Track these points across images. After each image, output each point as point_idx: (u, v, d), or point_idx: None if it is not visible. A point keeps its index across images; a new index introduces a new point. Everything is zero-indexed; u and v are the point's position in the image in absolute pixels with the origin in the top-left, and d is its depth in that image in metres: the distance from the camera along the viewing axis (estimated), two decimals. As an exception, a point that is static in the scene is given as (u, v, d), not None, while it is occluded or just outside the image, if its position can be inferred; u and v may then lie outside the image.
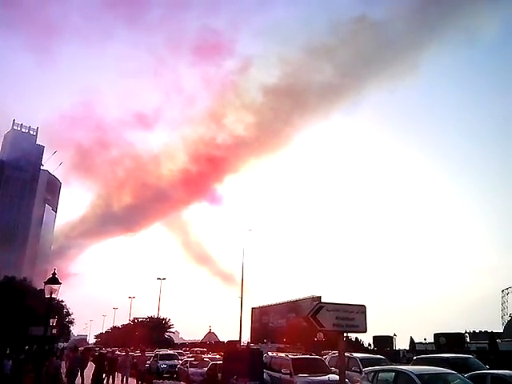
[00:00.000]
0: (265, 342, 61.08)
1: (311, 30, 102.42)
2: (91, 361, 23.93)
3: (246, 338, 70.37)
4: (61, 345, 63.49)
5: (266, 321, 74.98)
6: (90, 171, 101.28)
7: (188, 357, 29.66)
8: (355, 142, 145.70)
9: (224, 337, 78.22)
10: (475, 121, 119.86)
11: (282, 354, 17.61)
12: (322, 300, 36.44)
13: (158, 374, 27.40)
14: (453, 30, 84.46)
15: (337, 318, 6.89)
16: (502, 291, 62.68)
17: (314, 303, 7.35)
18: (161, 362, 28.96)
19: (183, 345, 77.77)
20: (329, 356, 20.02)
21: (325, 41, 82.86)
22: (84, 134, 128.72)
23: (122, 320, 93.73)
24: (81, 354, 21.86)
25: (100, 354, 24.26)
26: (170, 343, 71.98)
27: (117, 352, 32.00)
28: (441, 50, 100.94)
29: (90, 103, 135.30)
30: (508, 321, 59.40)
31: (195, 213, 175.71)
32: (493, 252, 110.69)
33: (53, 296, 14.31)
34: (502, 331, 56.34)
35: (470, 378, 10.78)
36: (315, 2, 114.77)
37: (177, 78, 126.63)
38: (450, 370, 10.65)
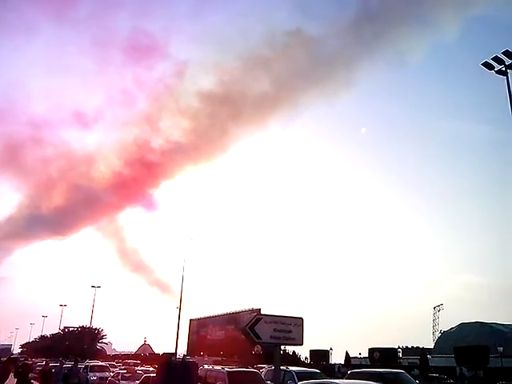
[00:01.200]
0: (202, 355, 60.20)
1: (248, 39, 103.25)
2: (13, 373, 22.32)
3: (183, 350, 69.10)
4: (-19, 355, 59.20)
5: (204, 333, 73.97)
6: (19, 169, 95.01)
7: (120, 369, 28.69)
8: (294, 153, 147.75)
9: (159, 349, 76.17)
10: (410, 136, 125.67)
11: (218, 367, 17.36)
12: (262, 312, 36.49)
13: (87, 386, 26.27)
14: (384, 51, 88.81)
15: (274, 330, 6.84)
16: (434, 308, 65.68)
17: (253, 315, 7.27)
18: (91, 373, 27.81)
19: (116, 356, 75.03)
20: (265, 369, 19.95)
21: (261, 52, 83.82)
22: (13, 129, 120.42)
23: (51, 329, 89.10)
24: (2, 364, 20.34)
25: (24, 364, 22.67)
26: (102, 354, 69.13)
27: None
28: (373, 69, 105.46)
29: (18, 98, 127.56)
30: (438, 337, 62.17)
31: (132, 219, 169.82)
32: (428, 269, 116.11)
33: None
34: (432, 347, 58.98)
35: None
36: (252, 12, 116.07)
37: (109, 78, 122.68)
38: (380, 384, 10.89)
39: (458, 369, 33.13)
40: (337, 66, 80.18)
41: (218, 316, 70.68)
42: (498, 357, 35.70)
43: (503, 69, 18.84)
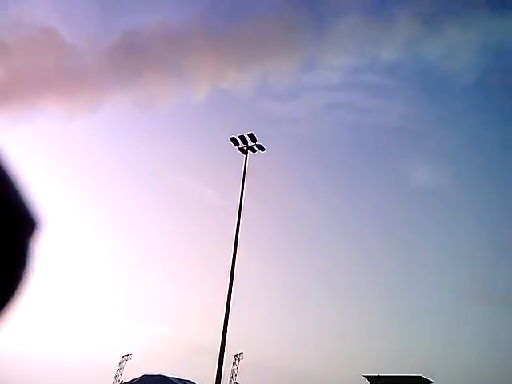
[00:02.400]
0: None
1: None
2: None
3: None
4: None
5: None
6: None
7: None
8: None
9: None
10: (139, 183, 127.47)
11: None
12: None
13: None
14: (137, 89, 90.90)
15: None
16: (122, 357, 63.77)
17: None
18: None
19: None
20: None
21: (3, 34, 72.39)
22: None
23: None
24: None
25: None
26: None
27: None
28: (122, 103, 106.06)
29: None
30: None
31: None
32: (125, 319, 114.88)
33: None
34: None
35: None
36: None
37: None
38: None
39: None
40: (85, 85, 75.91)
41: None
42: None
43: (245, 148, 20.94)
